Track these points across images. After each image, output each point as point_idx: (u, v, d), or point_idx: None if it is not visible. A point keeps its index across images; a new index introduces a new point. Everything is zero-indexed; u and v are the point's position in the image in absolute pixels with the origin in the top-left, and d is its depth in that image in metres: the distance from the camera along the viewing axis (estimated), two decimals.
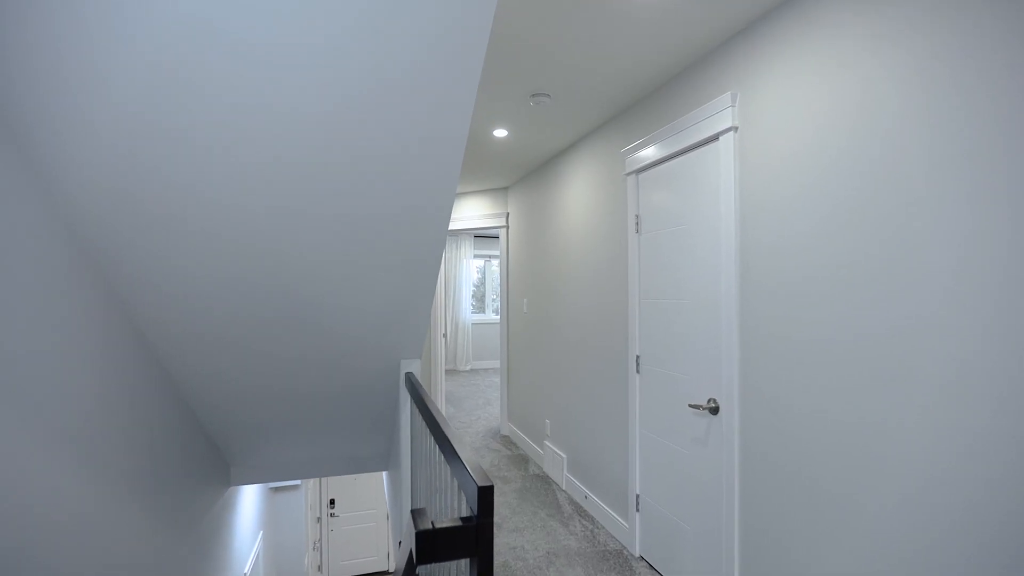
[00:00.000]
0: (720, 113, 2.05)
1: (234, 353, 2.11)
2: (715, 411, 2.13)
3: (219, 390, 2.31)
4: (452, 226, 5.48)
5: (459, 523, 1.06)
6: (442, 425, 1.47)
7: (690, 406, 2.20)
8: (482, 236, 9.20)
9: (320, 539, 5.70)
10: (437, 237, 1.79)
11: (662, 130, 2.45)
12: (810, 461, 1.70)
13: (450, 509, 1.40)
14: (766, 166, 1.87)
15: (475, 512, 1.05)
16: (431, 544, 1.04)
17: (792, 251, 1.76)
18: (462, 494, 1.20)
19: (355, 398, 2.65)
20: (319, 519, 5.68)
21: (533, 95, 2.66)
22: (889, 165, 1.44)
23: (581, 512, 3.29)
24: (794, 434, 1.76)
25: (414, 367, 2.49)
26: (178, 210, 1.48)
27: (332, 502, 5.84)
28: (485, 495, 1.05)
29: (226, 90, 1.20)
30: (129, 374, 1.74)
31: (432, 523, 1.06)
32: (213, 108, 1.24)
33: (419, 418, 2.00)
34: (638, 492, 2.71)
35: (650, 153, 2.56)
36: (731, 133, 2.00)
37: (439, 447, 1.46)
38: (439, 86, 1.29)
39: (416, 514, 1.12)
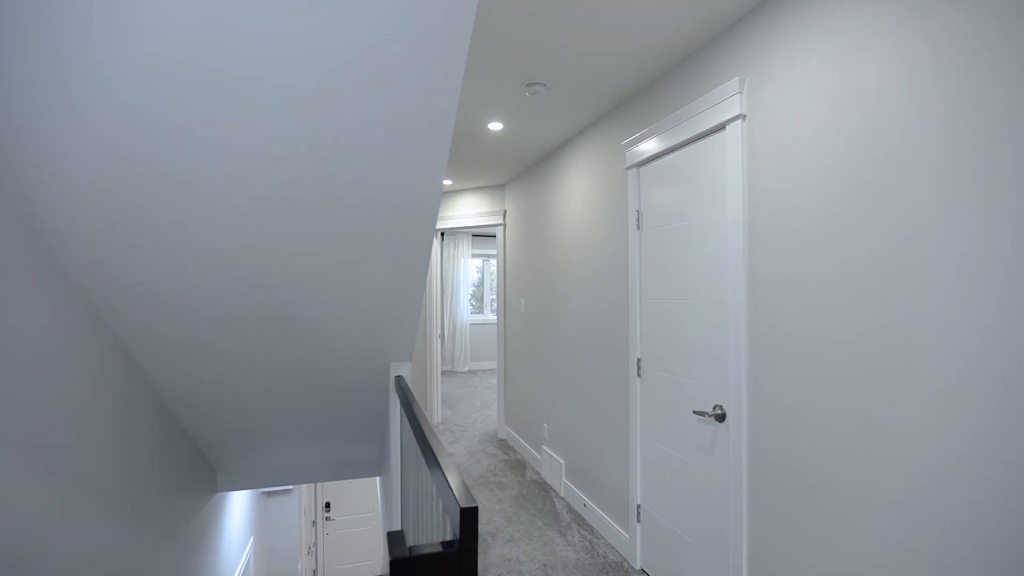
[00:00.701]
0: (727, 100, 1.93)
1: (216, 355, 2.00)
2: (721, 418, 2.01)
3: (202, 393, 2.20)
4: (449, 225, 5.36)
5: (439, 549, 0.94)
6: (428, 436, 1.36)
7: (694, 412, 2.08)
8: (481, 235, 9.08)
9: (315, 543, 5.58)
10: (425, 229, 1.67)
11: (665, 120, 2.33)
12: (813, 460, 1.63)
13: (436, 524, 1.29)
14: (776, 156, 1.75)
15: (458, 536, 0.94)
16: (409, 573, 0.93)
17: (799, 247, 1.66)
18: (446, 515, 1.09)
19: (346, 401, 2.54)
20: (314, 523, 5.57)
21: (528, 84, 2.54)
22: (895, 161, 1.38)
23: (580, 521, 3.16)
24: (801, 436, 1.67)
25: (404, 370, 2.37)
26: (155, 206, 1.37)
27: (327, 505, 5.73)
28: (469, 518, 0.93)
29: (211, 76, 1.09)
30: (102, 377, 1.63)
31: (409, 549, 0.95)
32: (201, 98, 1.14)
33: (408, 425, 1.89)
34: (639, 502, 2.59)
35: (652, 145, 2.44)
36: (739, 121, 1.88)
37: (424, 460, 1.35)
38: (419, 62, 1.17)
39: (392, 538, 1.01)
